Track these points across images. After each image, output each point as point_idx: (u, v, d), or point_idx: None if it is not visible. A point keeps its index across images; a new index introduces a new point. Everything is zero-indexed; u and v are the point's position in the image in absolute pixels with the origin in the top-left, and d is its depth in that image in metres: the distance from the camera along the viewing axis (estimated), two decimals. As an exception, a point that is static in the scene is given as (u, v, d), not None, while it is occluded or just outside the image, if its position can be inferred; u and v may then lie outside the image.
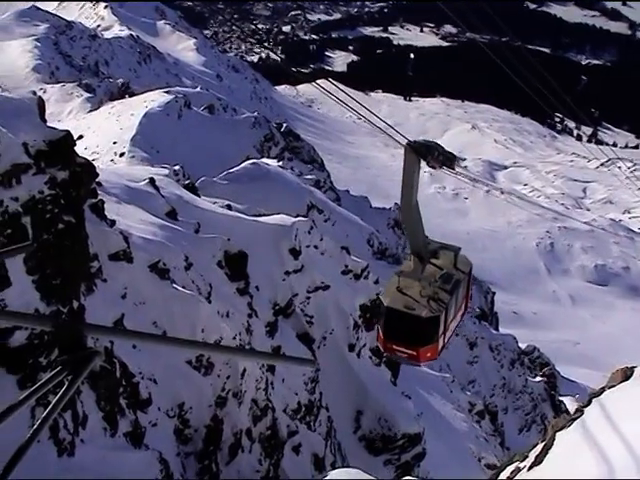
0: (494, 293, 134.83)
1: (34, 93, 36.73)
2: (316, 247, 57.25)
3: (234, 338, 39.37)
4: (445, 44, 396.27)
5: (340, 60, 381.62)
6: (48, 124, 31.82)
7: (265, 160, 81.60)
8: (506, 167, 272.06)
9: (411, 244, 18.07)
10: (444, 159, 16.29)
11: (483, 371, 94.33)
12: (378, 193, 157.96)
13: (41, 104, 32.08)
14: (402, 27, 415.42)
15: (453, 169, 17.20)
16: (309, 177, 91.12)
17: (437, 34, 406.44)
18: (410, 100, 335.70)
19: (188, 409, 36.58)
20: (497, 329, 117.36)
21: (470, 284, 19.86)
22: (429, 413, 62.82)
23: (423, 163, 16.02)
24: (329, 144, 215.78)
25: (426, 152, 15.90)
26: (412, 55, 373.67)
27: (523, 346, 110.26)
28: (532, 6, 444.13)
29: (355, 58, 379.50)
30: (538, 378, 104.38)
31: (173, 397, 36.09)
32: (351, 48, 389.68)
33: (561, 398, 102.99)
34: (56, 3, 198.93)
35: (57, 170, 29.38)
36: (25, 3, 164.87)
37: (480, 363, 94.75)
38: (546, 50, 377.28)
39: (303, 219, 58.55)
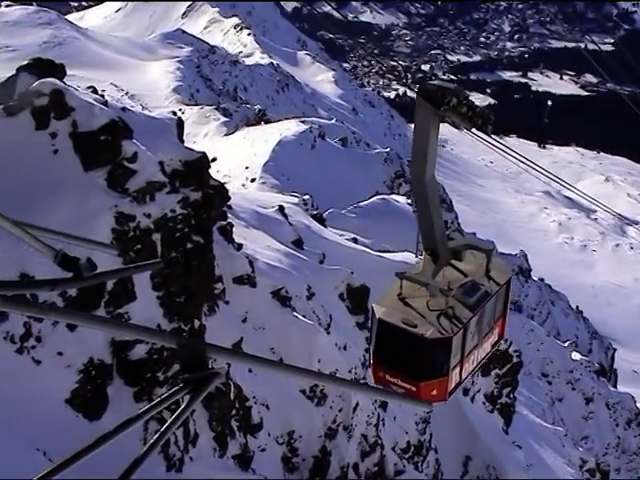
0: (615, 349, 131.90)
1: (174, 114, 37.51)
2: (438, 287, 56.79)
3: (350, 371, 39.33)
4: (584, 93, 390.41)
5: (477, 102, 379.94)
6: (185, 145, 32.45)
7: (394, 196, 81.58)
8: (638, 222, 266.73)
9: (423, 235, 13.60)
10: (469, 112, 12.08)
11: (597, 428, 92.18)
12: (504, 238, 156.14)
13: (180, 125, 32.73)
14: (542, 73, 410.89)
15: (485, 132, 12.73)
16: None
17: (577, 83, 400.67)
18: (544, 147, 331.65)
19: (298, 437, 36.61)
20: (615, 386, 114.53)
21: (508, 301, 15.09)
22: (539, 465, 61.54)
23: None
24: (459, 185, 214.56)
25: (441, 98, 11.79)
26: (549, 102, 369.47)
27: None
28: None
29: (492, 101, 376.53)
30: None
31: (284, 424, 36.18)
32: (489, 91, 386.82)
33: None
34: (202, 27, 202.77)
35: (190, 190, 29.89)
36: (171, 25, 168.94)
37: (595, 419, 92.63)
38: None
39: (428, 258, 58.11)
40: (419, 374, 13.08)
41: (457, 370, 13.56)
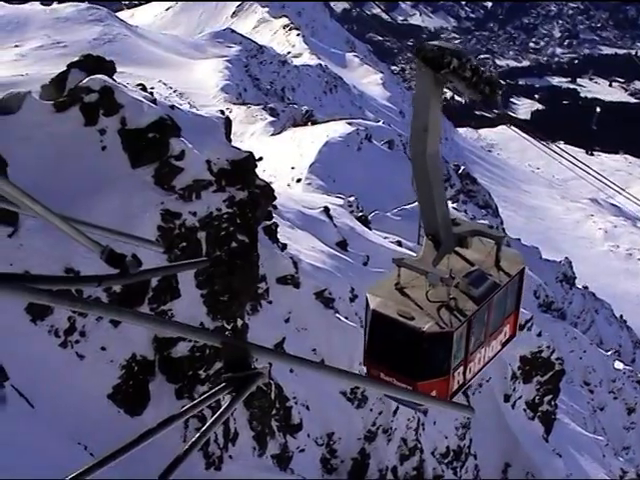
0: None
1: (222, 112, 37.62)
2: (482, 292, 56.50)
3: (390, 375, 39.20)
4: (633, 101, 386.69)
5: (524, 108, 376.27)
6: (232, 144, 32.52)
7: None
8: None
9: (424, 219, 12.29)
10: (474, 77, 10.30)
11: (639, 438, 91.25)
12: (549, 245, 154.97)
13: (228, 124, 32.81)
14: (591, 80, 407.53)
15: (493, 103, 11.19)
16: (482, 222, 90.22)
17: (626, 90, 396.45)
18: (592, 154, 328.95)
19: (337, 439, 36.59)
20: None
21: (521, 294, 13.88)
22: (578, 474, 61.01)
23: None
24: (505, 191, 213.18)
25: (440, 59, 10.24)
26: (598, 109, 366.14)
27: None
28: None
29: (540, 107, 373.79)
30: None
31: (323, 425, 36.16)
32: (537, 96, 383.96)
33: None
34: (251, 26, 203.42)
35: (236, 189, 29.95)
36: (219, 24, 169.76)
37: (637, 430, 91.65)
38: None
39: (471, 263, 57.88)
40: (416, 373, 11.97)
41: (460, 370, 12.36)
